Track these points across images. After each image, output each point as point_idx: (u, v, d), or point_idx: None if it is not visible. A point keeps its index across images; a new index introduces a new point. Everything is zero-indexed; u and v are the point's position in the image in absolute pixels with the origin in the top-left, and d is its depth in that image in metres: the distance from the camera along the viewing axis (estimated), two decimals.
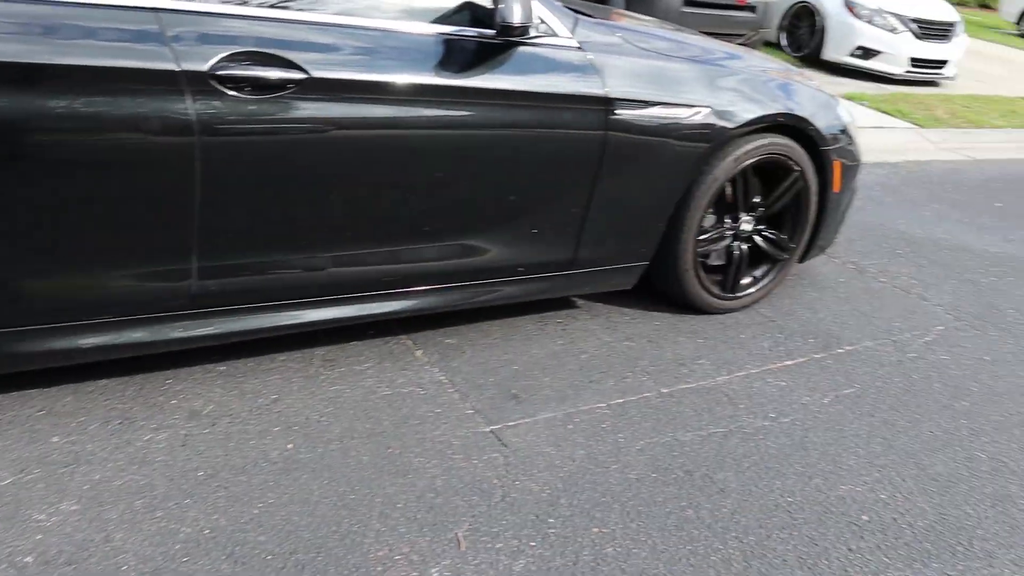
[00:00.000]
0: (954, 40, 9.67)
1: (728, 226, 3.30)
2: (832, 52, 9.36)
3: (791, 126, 3.25)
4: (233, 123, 2.15)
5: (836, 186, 3.50)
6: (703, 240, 3.21)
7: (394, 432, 2.36)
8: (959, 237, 4.83)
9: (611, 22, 3.17)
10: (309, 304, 2.50)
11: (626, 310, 3.32)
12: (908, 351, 3.34)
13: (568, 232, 2.87)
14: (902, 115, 7.73)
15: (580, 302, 3.33)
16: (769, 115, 3.12)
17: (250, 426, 2.29)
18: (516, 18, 2.43)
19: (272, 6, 2.25)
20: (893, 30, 9.21)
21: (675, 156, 2.94)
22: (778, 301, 3.59)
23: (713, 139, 2.99)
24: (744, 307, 3.45)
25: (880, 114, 7.69)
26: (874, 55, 9.22)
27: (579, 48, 2.73)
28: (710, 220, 3.26)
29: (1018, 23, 17.09)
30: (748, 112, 3.06)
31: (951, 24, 9.67)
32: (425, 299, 2.72)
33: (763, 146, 3.16)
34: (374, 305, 2.64)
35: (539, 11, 2.66)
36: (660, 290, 3.32)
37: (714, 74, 3.07)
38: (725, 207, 3.28)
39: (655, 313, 3.32)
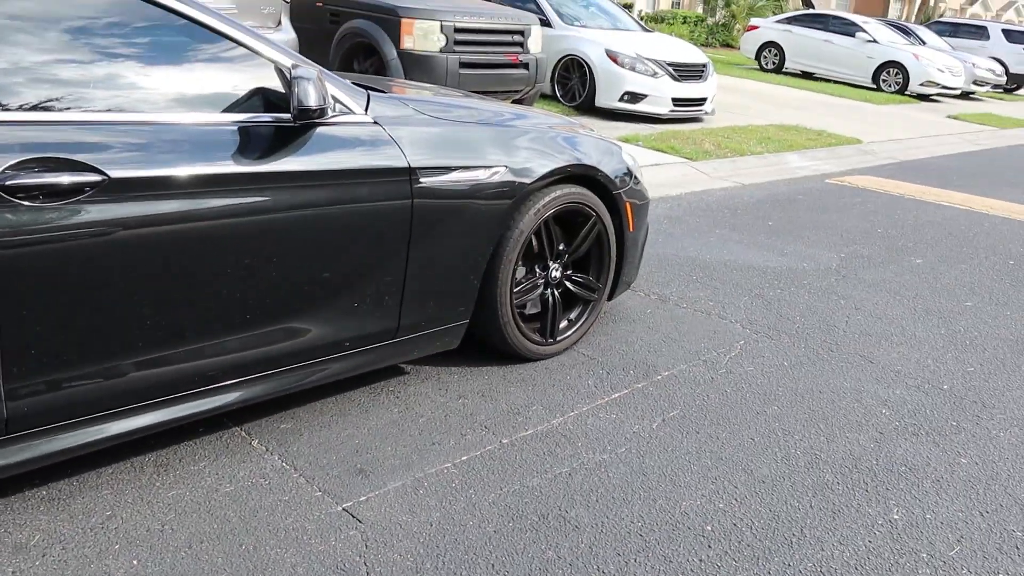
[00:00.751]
0: (708, 79, 10.57)
1: (539, 275, 3.46)
2: (603, 99, 9.98)
3: (582, 175, 3.46)
4: (29, 234, 2.05)
5: (631, 225, 3.75)
6: (518, 292, 3.34)
7: (244, 528, 2.28)
8: (742, 257, 5.26)
9: (402, 95, 3.27)
10: (133, 411, 2.39)
11: (455, 369, 3.38)
12: (718, 368, 3.60)
13: (389, 301, 2.91)
14: (675, 151, 8.34)
15: (409, 368, 3.36)
16: (561, 167, 3.31)
17: (87, 549, 2.15)
18: (312, 101, 2.47)
19: (48, 108, 2.17)
20: (654, 75, 9.94)
21: (481, 216, 3.06)
22: (595, 339, 3.77)
23: (513, 195, 3.14)
24: (565, 350, 3.61)
25: (656, 152, 8.26)
26: (641, 99, 9.91)
27: (375, 123, 2.80)
28: (522, 272, 3.40)
29: (756, 58, 18.89)
30: (542, 167, 3.24)
31: (703, 65, 10.57)
32: (252, 388, 2.66)
33: (560, 197, 3.34)
34: (200, 402, 2.56)
35: (332, 91, 2.71)
36: (485, 344, 3.41)
37: (506, 135, 3.23)
38: (534, 258, 3.43)
39: (484, 368, 3.41)
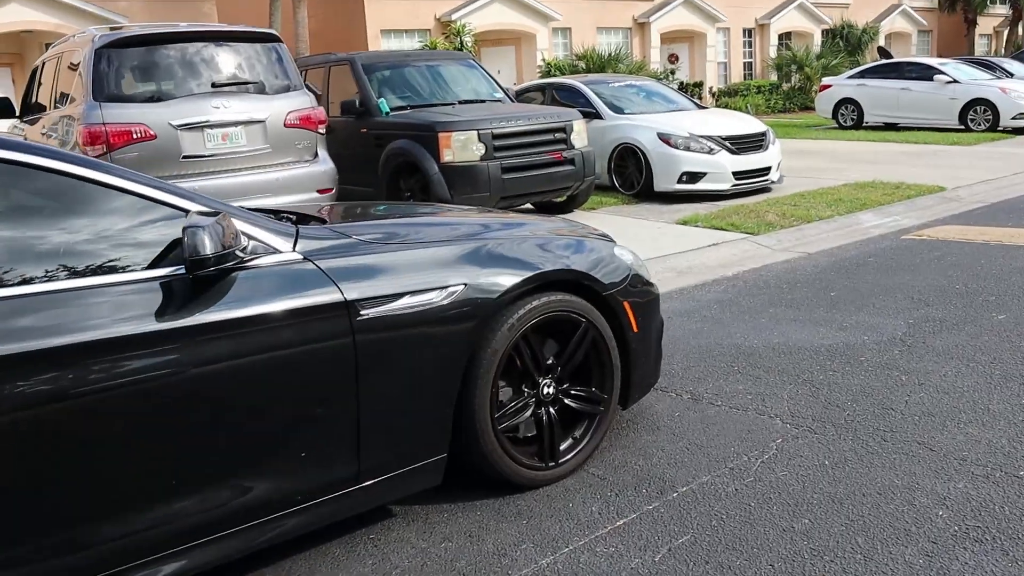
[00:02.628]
0: (770, 148, 10.15)
1: (529, 394, 3.15)
2: (662, 183, 9.70)
3: (564, 280, 3.18)
4: None
5: (634, 326, 3.42)
6: (503, 415, 3.04)
7: None
8: (795, 337, 4.81)
9: (347, 224, 3.10)
10: None
11: (445, 506, 3.08)
12: (745, 477, 3.17)
13: (343, 446, 2.67)
14: (735, 227, 7.94)
15: (397, 509, 3.08)
16: (532, 276, 3.04)
17: None
18: (208, 248, 2.29)
19: None
20: (710, 151, 9.62)
21: (439, 340, 2.81)
22: (609, 455, 3.41)
23: (477, 314, 2.88)
24: (573, 471, 3.26)
25: (714, 231, 7.88)
26: (700, 177, 9.59)
27: (304, 259, 2.62)
28: (507, 393, 3.11)
29: (833, 117, 18.31)
30: (509, 279, 2.98)
31: (761, 134, 10.18)
32: (200, 555, 2.44)
33: (538, 307, 3.06)
34: (147, 573, 2.35)
35: (251, 231, 2.55)
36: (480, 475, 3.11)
37: (466, 250, 2.99)
38: (520, 375, 3.14)
39: (477, 502, 3.09)
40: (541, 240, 3.26)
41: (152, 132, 6.62)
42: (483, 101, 9.46)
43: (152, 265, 2.41)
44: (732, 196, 9.71)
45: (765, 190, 10.15)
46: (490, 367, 2.95)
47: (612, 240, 3.62)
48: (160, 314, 2.31)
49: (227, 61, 7.22)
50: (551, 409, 3.20)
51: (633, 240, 7.53)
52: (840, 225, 8.15)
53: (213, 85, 7.03)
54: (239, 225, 2.51)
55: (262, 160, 7.09)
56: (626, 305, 3.38)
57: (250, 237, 2.53)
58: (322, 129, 7.54)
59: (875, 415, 3.67)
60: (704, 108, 11.47)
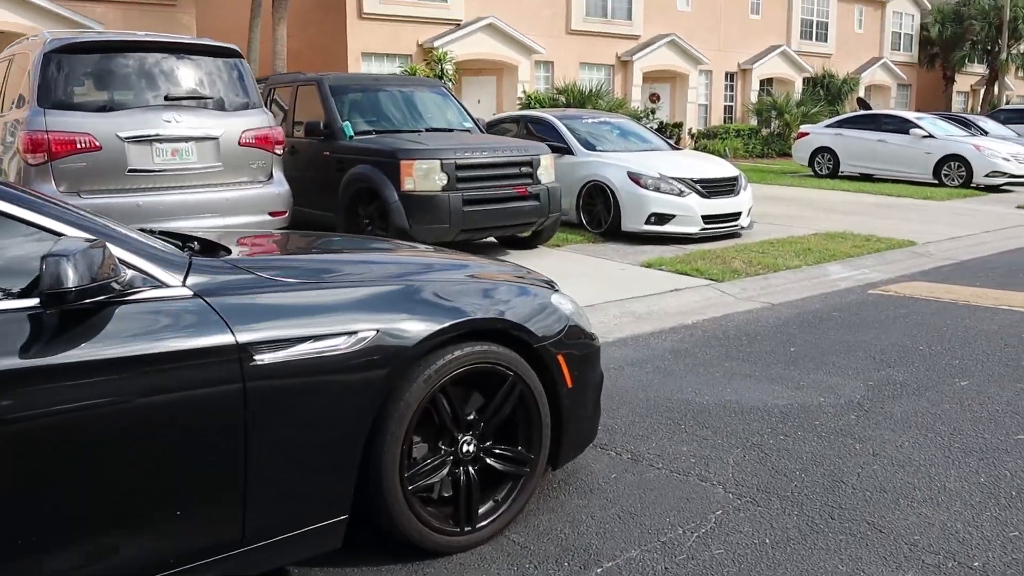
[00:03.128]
0: (741, 193, 10.00)
1: (446, 452, 2.89)
2: (630, 223, 9.50)
3: (490, 330, 2.93)
4: None
5: (568, 381, 3.17)
6: (415, 474, 2.77)
7: None
8: (748, 395, 4.57)
9: (254, 257, 2.84)
10: None
11: (348, 570, 2.80)
12: (677, 553, 2.92)
13: (225, 504, 2.39)
14: (699, 273, 7.75)
15: (295, 571, 2.79)
16: (454, 324, 2.79)
17: None
18: (70, 281, 2.02)
19: None
20: (680, 193, 9.45)
21: (343, 391, 2.55)
22: (534, 520, 3.15)
23: (389, 363, 2.62)
24: (491, 537, 2.99)
25: (677, 275, 7.68)
26: (668, 220, 9.41)
27: (195, 295, 2.35)
28: (422, 450, 2.85)
29: (809, 165, 18.30)
30: (428, 325, 2.72)
31: (733, 179, 10.03)
32: None
33: (459, 358, 2.81)
34: None
35: (130, 259, 2.28)
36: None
37: (383, 293, 2.74)
38: (437, 431, 2.88)
39: (383, 567, 2.81)
40: (473, 285, 3.02)
41: (97, 143, 6.35)
42: (451, 130, 9.25)
43: (18, 296, 2.15)
44: (700, 240, 9.53)
45: (734, 235, 9.99)
46: (401, 421, 2.68)
47: (553, 287, 3.38)
48: (9, 352, 2.03)
49: (184, 74, 6.96)
50: (470, 469, 2.93)
51: (593, 281, 7.34)
52: (807, 276, 7.97)
53: (167, 98, 6.78)
54: (119, 253, 2.25)
55: (213, 178, 6.82)
56: (560, 358, 3.13)
57: (131, 267, 2.27)
58: (279, 150, 7.29)
59: (824, 488, 3.43)
60: (678, 149, 11.33)
